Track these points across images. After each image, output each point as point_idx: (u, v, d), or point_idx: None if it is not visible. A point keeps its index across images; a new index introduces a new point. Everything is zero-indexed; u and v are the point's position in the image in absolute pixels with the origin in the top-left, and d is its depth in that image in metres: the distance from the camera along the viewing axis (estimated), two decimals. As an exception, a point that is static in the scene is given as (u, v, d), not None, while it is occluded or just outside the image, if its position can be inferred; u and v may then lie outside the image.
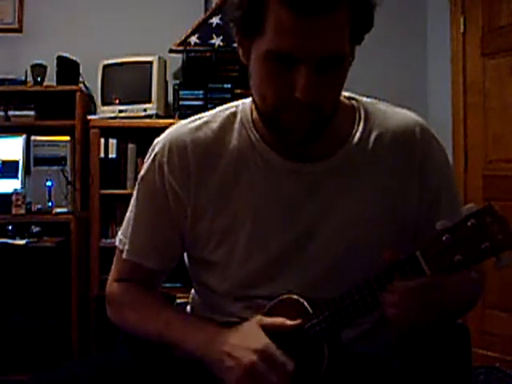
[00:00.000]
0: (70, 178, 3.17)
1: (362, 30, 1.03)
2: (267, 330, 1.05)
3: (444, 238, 0.95)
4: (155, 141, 1.21)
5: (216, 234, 1.15)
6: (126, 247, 1.21)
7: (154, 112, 3.25)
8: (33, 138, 3.21)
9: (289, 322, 1.05)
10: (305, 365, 1.05)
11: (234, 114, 1.18)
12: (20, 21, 3.53)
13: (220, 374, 1.05)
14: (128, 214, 1.24)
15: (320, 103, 1.02)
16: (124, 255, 1.22)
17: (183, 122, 1.21)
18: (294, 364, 1.02)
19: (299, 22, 0.95)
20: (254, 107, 1.14)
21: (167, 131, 1.21)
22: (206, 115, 1.20)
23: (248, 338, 1.04)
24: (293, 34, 0.96)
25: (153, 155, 1.19)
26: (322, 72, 0.99)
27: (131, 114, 3.26)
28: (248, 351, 1.03)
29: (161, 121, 3.21)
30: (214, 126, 1.17)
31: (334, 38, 0.98)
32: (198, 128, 1.17)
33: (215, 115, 1.19)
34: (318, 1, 0.94)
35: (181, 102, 3.31)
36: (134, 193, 1.23)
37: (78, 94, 3.23)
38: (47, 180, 3.13)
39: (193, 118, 1.21)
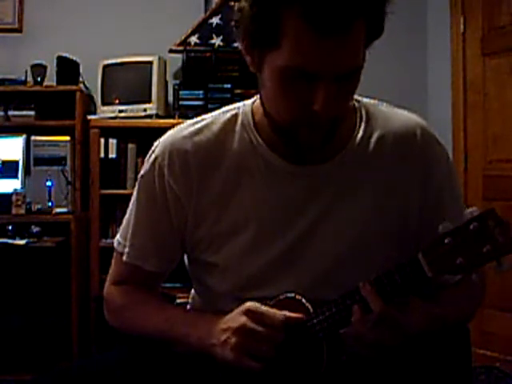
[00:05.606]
0: (69, 178, 3.17)
1: (374, 37, 1.03)
2: None
3: (446, 241, 0.95)
4: (156, 142, 1.20)
5: (217, 237, 1.15)
6: (126, 250, 1.21)
7: (154, 112, 3.25)
8: (33, 138, 3.21)
9: (291, 314, 1.05)
10: (304, 363, 1.05)
11: (236, 117, 1.17)
12: (20, 21, 3.53)
13: (221, 353, 1.05)
14: (127, 216, 1.23)
15: (337, 114, 1.02)
16: (124, 258, 1.21)
17: (184, 124, 1.20)
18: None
19: (319, 41, 0.93)
20: (257, 110, 1.14)
21: (168, 133, 1.20)
22: (206, 117, 1.19)
23: (237, 311, 1.06)
24: (313, 52, 0.95)
25: (153, 157, 1.18)
26: (338, 83, 0.98)
27: (131, 114, 3.26)
28: (236, 318, 1.04)
29: (161, 121, 3.22)
30: (215, 128, 1.17)
31: (353, 53, 0.97)
32: (199, 131, 1.17)
33: (216, 118, 1.18)
34: (338, 19, 0.92)
35: (181, 102, 3.31)
36: (134, 195, 1.22)
37: (78, 94, 3.23)
38: (47, 180, 3.13)
39: (194, 120, 1.20)
